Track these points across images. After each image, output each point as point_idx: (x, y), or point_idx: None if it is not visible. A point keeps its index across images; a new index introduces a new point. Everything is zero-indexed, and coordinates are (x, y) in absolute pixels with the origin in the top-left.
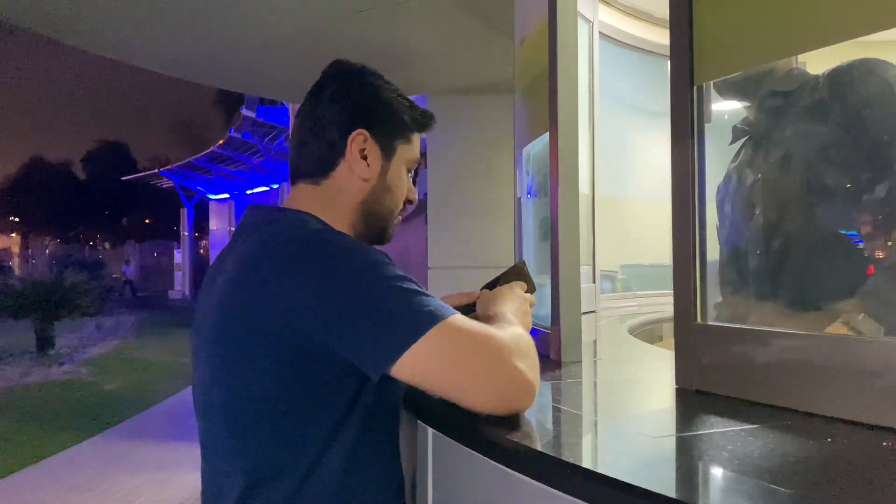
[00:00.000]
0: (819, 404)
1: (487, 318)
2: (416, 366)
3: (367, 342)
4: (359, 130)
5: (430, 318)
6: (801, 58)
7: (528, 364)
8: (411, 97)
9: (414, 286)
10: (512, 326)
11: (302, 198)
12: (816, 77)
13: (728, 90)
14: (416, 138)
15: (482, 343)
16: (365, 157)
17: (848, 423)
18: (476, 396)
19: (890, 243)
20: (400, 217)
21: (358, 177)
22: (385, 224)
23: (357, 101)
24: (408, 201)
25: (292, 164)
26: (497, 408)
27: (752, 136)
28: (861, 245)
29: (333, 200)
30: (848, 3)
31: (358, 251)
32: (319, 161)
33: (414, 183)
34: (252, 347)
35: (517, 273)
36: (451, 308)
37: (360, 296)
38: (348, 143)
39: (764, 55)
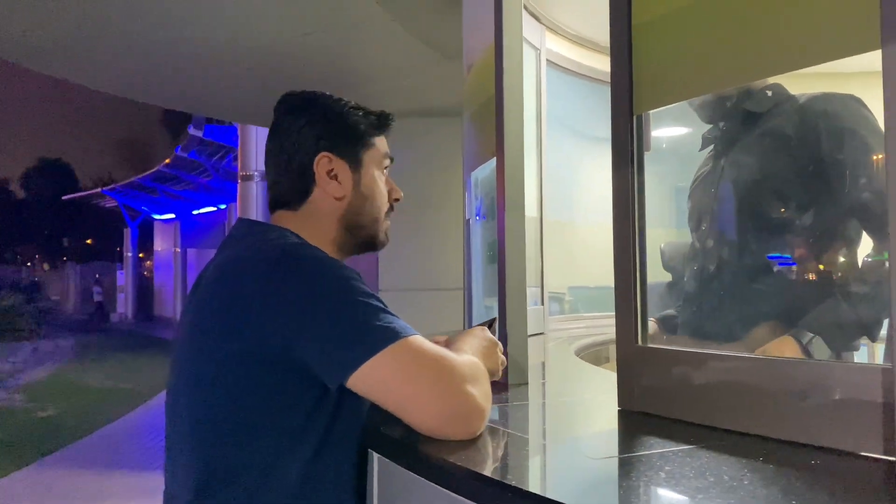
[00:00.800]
0: (753, 424)
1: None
2: (371, 379)
3: (328, 351)
4: (321, 154)
5: (390, 335)
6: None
7: (480, 390)
8: None
9: (379, 304)
10: (469, 356)
11: (284, 220)
12: (789, 102)
13: (702, 109)
14: (380, 140)
15: (437, 364)
16: (335, 177)
17: (781, 442)
18: (426, 416)
19: (832, 269)
20: (388, 221)
21: (332, 197)
22: (372, 231)
23: (312, 127)
24: (395, 200)
25: (270, 200)
26: (446, 429)
27: (715, 148)
28: (796, 269)
29: (314, 220)
30: (783, 36)
31: (329, 266)
32: (294, 192)
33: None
34: (220, 349)
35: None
36: (412, 328)
37: (326, 307)
38: (315, 169)
39: (701, 86)
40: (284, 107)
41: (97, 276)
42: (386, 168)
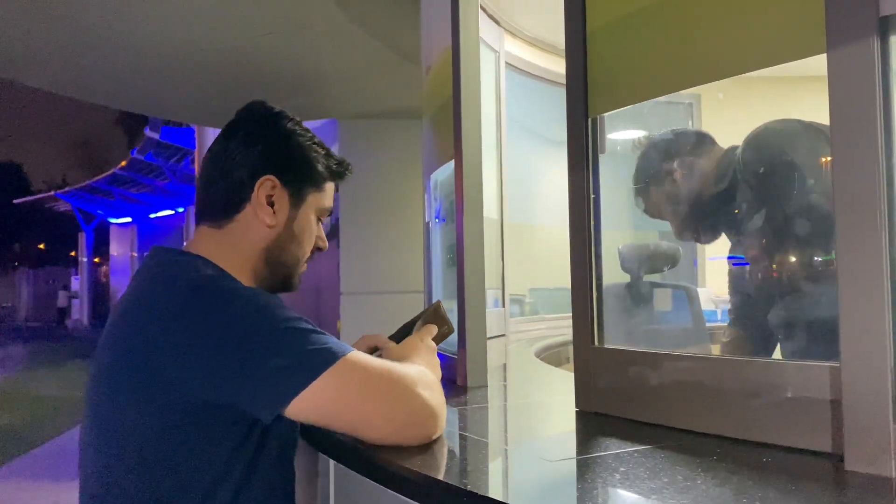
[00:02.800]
0: (708, 424)
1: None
2: (315, 406)
3: (262, 386)
4: (268, 176)
5: (328, 357)
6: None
7: (432, 394)
8: (320, 121)
9: (307, 325)
10: (415, 365)
11: (204, 242)
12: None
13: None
14: (330, 187)
15: (383, 377)
16: (272, 204)
17: (733, 440)
18: (382, 430)
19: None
20: (305, 266)
21: (262, 223)
22: (290, 272)
23: (269, 146)
24: (317, 248)
25: (198, 203)
26: (401, 437)
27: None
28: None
29: (236, 245)
30: (736, 39)
31: (246, 297)
32: (225, 202)
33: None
34: (135, 395)
35: (433, 315)
36: (348, 346)
37: (253, 342)
38: (256, 188)
39: (655, 89)
40: (249, 114)
41: (56, 281)
42: (321, 219)
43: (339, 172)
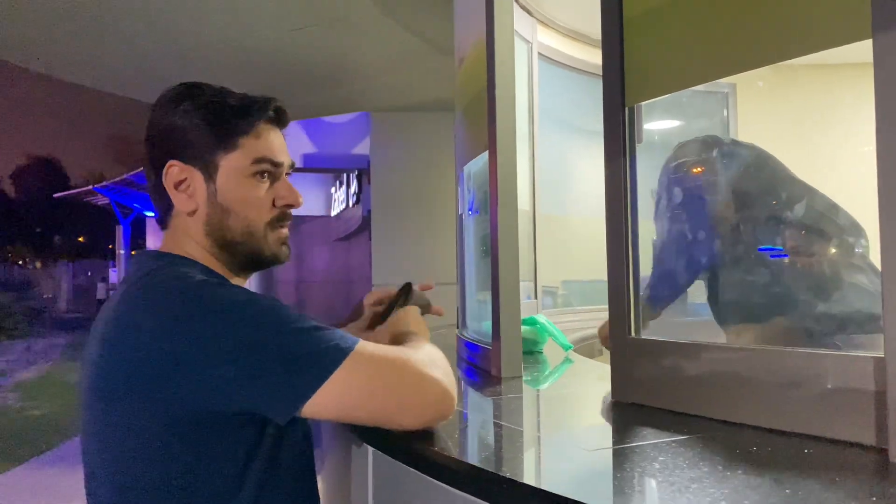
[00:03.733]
0: (746, 414)
1: (398, 339)
2: (331, 403)
3: (272, 391)
4: (170, 163)
5: (338, 353)
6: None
7: (443, 374)
8: (352, 114)
9: (313, 323)
10: (421, 344)
11: (166, 243)
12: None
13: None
14: (251, 140)
15: (395, 365)
16: (186, 189)
17: (773, 431)
18: (403, 417)
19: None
20: (281, 231)
21: (183, 211)
22: (250, 247)
23: (157, 132)
24: (286, 207)
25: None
26: (424, 422)
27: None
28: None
29: (184, 239)
30: (776, 26)
31: (244, 302)
32: (158, 207)
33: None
34: (138, 412)
35: (406, 293)
36: (354, 338)
37: (254, 348)
38: (164, 179)
39: (692, 78)
40: (157, 103)
41: (95, 273)
42: (266, 174)
43: (246, 118)
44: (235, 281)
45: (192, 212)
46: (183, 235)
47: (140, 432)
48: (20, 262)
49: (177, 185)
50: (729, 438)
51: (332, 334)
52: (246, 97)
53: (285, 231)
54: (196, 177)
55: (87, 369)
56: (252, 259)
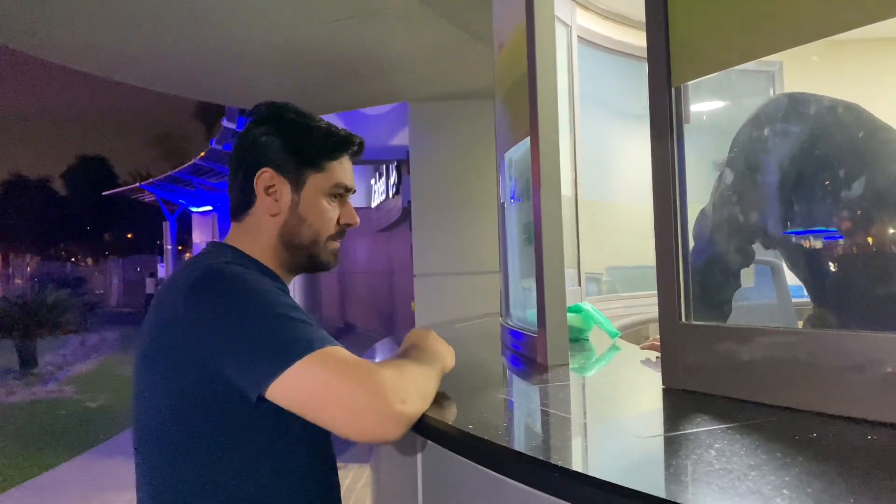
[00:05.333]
0: (803, 400)
1: (405, 352)
2: (288, 391)
3: (247, 364)
4: (264, 169)
5: (305, 347)
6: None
7: (410, 397)
8: (391, 105)
9: (299, 316)
10: (419, 361)
11: (233, 233)
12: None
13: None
14: (334, 165)
15: (357, 377)
16: (272, 193)
17: (833, 417)
18: (347, 429)
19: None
20: (336, 243)
21: (267, 213)
22: (311, 252)
23: (265, 140)
24: (346, 226)
25: (229, 206)
26: (365, 440)
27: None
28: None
29: (256, 236)
30: (822, 1)
31: (249, 282)
32: (239, 204)
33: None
34: (161, 369)
35: None
36: (332, 339)
37: (241, 322)
38: (255, 182)
39: (740, 55)
40: (252, 116)
41: (144, 268)
42: (338, 196)
43: (335, 149)
44: (287, 277)
45: (275, 214)
46: (255, 231)
47: (163, 394)
48: (72, 260)
49: (266, 189)
50: (787, 425)
51: (311, 330)
52: (332, 127)
53: (338, 244)
54: (284, 186)
55: (141, 337)
56: (309, 262)
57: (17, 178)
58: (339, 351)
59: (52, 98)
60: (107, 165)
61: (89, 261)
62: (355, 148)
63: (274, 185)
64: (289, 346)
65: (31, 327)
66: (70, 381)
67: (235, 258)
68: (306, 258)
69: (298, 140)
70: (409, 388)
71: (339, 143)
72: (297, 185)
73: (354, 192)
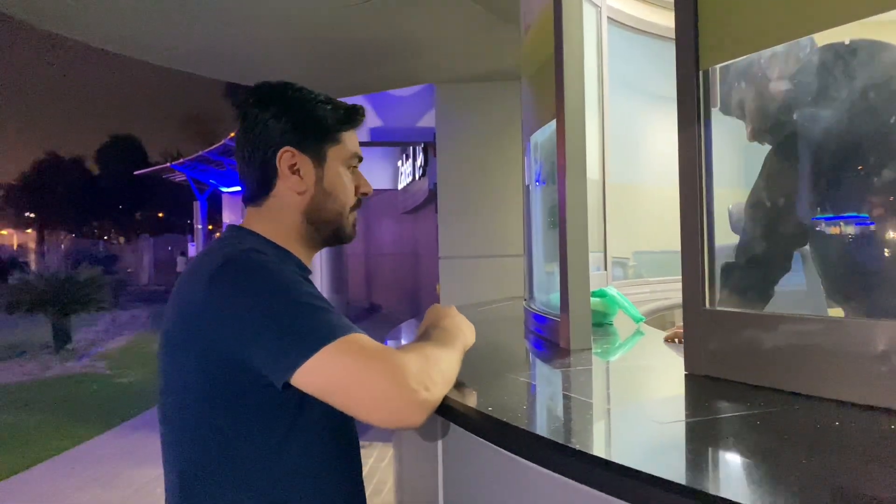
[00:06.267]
0: (827, 388)
1: (427, 332)
2: (312, 378)
3: (273, 353)
4: (285, 148)
5: (328, 335)
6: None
7: (434, 383)
8: (417, 87)
9: (322, 304)
10: (443, 342)
11: (252, 219)
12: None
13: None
14: (349, 135)
15: (380, 365)
16: (297, 172)
17: (856, 406)
18: (370, 415)
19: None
20: (355, 213)
21: (294, 192)
22: (337, 225)
23: (278, 120)
24: (362, 195)
25: (243, 192)
26: (390, 426)
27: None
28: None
29: (278, 217)
30: None
31: (270, 271)
32: (258, 186)
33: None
34: (185, 357)
35: None
36: (354, 326)
37: (263, 312)
38: (277, 162)
39: (769, 38)
40: (253, 98)
41: (174, 247)
42: (353, 166)
43: (350, 119)
44: (309, 255)
45: (302, 192)
46: (276, 212)
47: (188, 380)
48: (105, 238)
49: (290, 168)
50: (810, 413)
51: (334, 318)
52: (333, 100)
53: (356, 214)
54: (307, 163)
55: (164, 323)
56: (334, 235)
57: (52, 157)
58: (361, 338)
59: (87, 79)
60: (139, 145)
61: (121, 239)
62: (361, 118)
63: (296, 164)
64: (312, 334)
65: (65, 304)
66: (102, 358)
67: (256, 244)
68: (331, 231)
69: (310, 116)
70: (432, 374)
71: (348, 114)
72: (319, 160)
73: (363, 160)
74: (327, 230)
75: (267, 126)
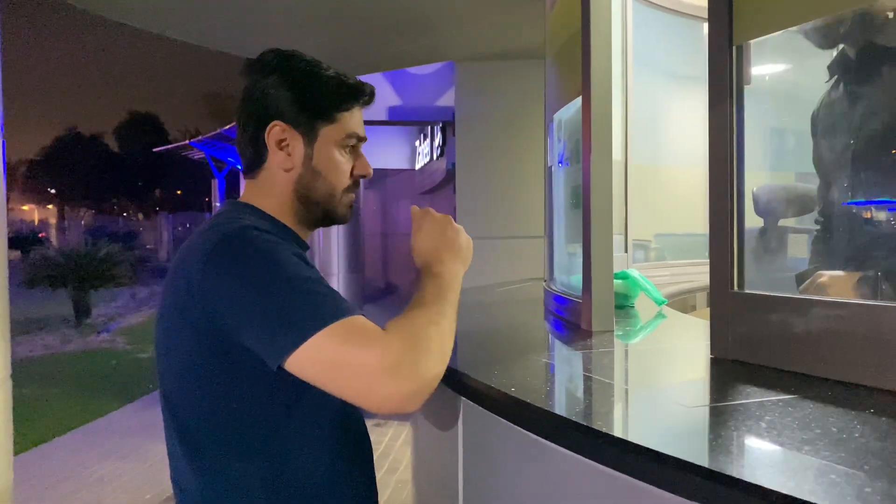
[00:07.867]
0: (860, 374)
1: (424, 280)
2: (304, 364)
3: (265, 337)
4: (275, 122)
5: (320, 320)
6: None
7: (418, 367)
8: (437, 65)
9: (317, 287)
10: (422, 321)
11: (248, 192)
12: None
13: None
14: (346, 115)
15: (365, 350)
16: (284, 148)
17: (891, 393)
18: (366, 401)
19: None
20: (351, 195)
21: (280, 168)
22: (327, 206)
23: (274, 92)
24: (360, 177)
25: (240, 163)
26: (385, 412)
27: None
28: None
29: (270, 192)
30: None
31: (266, 250)
32: (250, 159)
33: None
34: (180, 335)
35: None
36: (350, 308)
37: (261, 293)
38: (266, 137)
39: (807, 12)
40: (256, 65)
41: (193, 224)
42: (351, 147)
43: (352, 98)
44: (305, 231)
45: (288, 170)
46: (269, 187)
47: (184, 357)
48: (124, 215)
49: (278, 143)
50: (842, 399)
51: (328, 301)
52: (341, 76)
53: (353, 196)
54: (297, 139)
55: (160, 301)
56: (325, 217)
57: (72, 133)
58: (353, 323)
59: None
60: (158, 122)
61: (140, 216)
62: (367, 97)
63: (286, 139)
64: (305, 319)
65: (85, 279)
66: (121, 332)
67: (253, 218)
68: (322, 212)
69: (309, 91)
70: (425, 356)
71: (350, 93)
72: (310, 138)
73: (366, 140)
74: (318, 210)
75: (265, 95)
